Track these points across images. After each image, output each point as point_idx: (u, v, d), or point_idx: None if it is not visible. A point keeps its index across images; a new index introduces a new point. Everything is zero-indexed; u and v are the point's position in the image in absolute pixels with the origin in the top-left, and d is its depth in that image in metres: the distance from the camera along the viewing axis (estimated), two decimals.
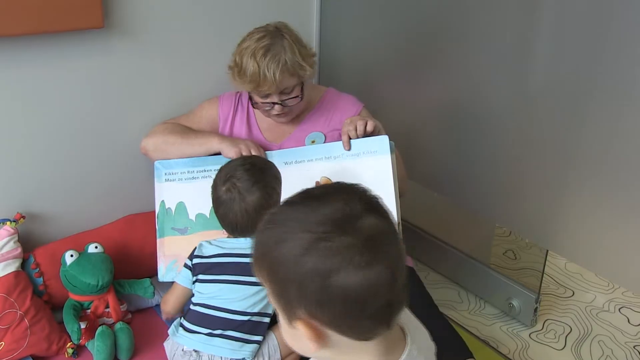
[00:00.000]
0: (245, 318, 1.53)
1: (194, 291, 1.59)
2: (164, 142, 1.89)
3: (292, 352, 1.61)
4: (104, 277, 1.81)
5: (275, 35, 1.74)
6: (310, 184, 1.79)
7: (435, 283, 2.33)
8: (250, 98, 1.83)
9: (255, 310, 1.54)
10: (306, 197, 0.83)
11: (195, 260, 1.60)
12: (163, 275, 1.83)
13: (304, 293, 0.77)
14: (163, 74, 2.05)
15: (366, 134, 1.75)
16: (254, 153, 1.80)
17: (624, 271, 1.73)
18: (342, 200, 0.79)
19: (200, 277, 1.57)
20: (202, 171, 1.84)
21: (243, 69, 1.74)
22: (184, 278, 1.61)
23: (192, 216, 1.84)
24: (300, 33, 1.84)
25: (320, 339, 0.79)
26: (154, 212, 1.87)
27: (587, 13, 1.58)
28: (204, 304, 1.55)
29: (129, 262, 1.97)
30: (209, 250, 1.59)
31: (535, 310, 2.08)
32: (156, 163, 1.88)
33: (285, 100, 1.78)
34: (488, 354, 1.95)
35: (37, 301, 1.78)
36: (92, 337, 1.77)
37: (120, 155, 2.04)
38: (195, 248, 1.62)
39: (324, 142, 1.87)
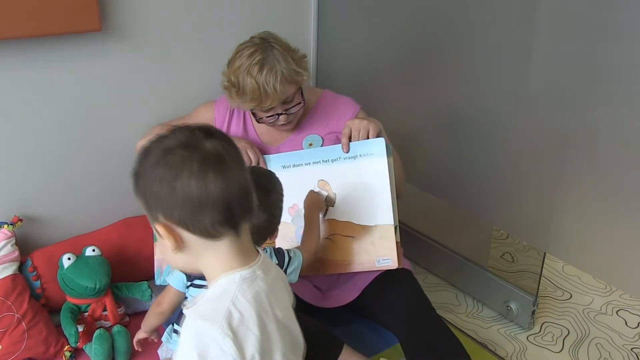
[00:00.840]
0: None
1: (187, 295, 1.57)
2: None
3: None
4: (102, 280, 1.81)
5: (265, 48, 1.73)
6: (307, 188, 1.81)
7: (433, 286, 2.33)
8: (253, 114, 1.83)
9: None
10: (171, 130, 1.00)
11: None
12: (160, 278, 1.83)
13: (158, 199, 0.94)
14: (160, 76, 2.05)
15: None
16: (251, 155, 1.79)
17: (621, 274, 1.73)
18: (189, 131, 0.97)
19: (196, 282, 1.55)
20: None
21: (242, 88, 1.73)
22: (177, 281, 1.58)
23: None
24: (297, 37, 1.85)
25: (177, 240, 0.95)
26: None
27: (585, 16, 1.59)
28: None
29: (126, 265, 1.97)
30: None
31: (533, 312, 2.08)
32: None
33: (289, 109, 1.78)
34: (486, 356, 1.95)
35: (34, 304, 1.78)
36: (90, 340, 1.77)
37: (118, 158, 2.04)
38: None
39: (322, 145, 1.88)
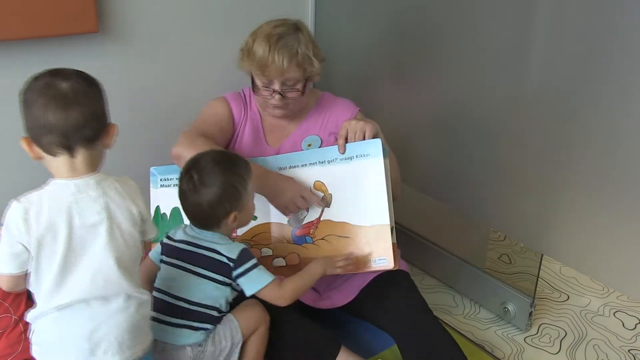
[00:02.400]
0: (193, 307, 1.51)
1: (158, 274, 1.59)
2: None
3: (254, 331, 1.62)
4: None
5: (292, 28, 1.77)
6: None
7: (430, 287, 2.33)
8: (253, 82, 1.82)
9: (207, 303, 1.52)
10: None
11: (165, 241, 1.59)
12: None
13: (24, 117, 1.22)
14: (157, 77, 2.06)
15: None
16: (300, 205, 1.77)
17: (618, 275, 1.73)
18: (51, 74, 1.24)
19: (165, 258, 1.57)
20: None
21: (254, 50, 1.74)
22: (155, 253, 1.61)
23: (186, 221, 1.84)
24: None
25: (34, 152, 1.25)
26: None
27: (583, 16, 1.59)
28: (159, 288, 1.55)
29: None
30: (179, 235, 1.58)
31: (530, 314, 2.08)
32: (152, 169, 1.88)
33: (286, 91, 1.78)
34: (483, 358, 1.95)
35: (31, 306, 1.78)
36: None
37: (116, 160, 2.04)
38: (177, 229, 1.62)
39: (320, 146, 1.88)
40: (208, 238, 1.54)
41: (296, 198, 1.75)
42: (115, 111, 2.00)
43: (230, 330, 1.56)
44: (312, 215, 1.79)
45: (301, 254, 1.79)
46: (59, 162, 1.25)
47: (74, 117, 1.21)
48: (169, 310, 1.52)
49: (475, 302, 2.25)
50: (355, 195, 1.75)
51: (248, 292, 1.53)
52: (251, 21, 1.93)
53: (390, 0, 2.14)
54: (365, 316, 1.89)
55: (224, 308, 1.56)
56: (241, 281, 1.52)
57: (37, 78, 1.23)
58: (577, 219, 1.77)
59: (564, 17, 1.63)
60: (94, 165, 1.29)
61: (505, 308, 2.13)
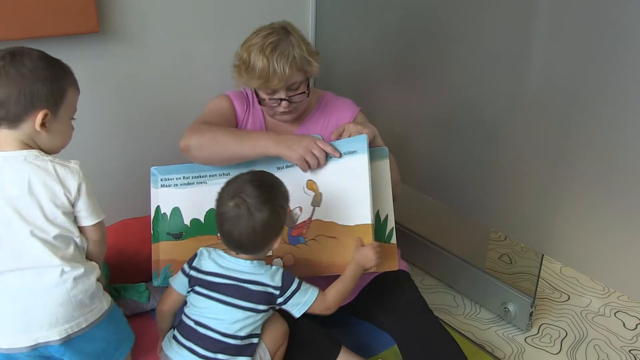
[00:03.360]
0: (234, 342, 1.51)
1: (187, 300, 1.58)
2: (211, 140, 1.74)
3: (279, 348, 1.62)
4: None
5: (282, 33, 1.75)
6: (298, 188, 1.80)
7: (431, 287, 2.33)
8: (257, 95, 1.83)
9: (243, 334, 1.52)
10: None
11: (193, 273, 1.56)
12: (158, 280, 1.83)
13: None
14: (158, 77, 2.06)
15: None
16: (317, 154, 1.71)
17: (619, 275, 1.73)
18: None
19: (197, 289, 1.55)
20: (197, 177, 1.84)
21: (252, 65, 1.73)
22: (180, 284, 1.58)
23: (187, 221, 1.84)
24: None
25: None
26: (149, 217, 1.87)
27: (584, 16, 1.59)
28: (196, 320, 1.53)
29: (124, 267, 1.97)
30: (207, 265, 1.55)
31: (531, 314, 2.08)
32: (152, 169, 1.87)
33: (292, 96, 1.78)
34: (483, 358, 1.95)
35: None
36: None
37: (116, 160, 2.04)
38: (195, 255, 1.59)
39: None
40: (246, 269, 1.52)
41: (312, 145, 1.70)
42: (116, 111, 2.02)
43: (259, 356, 1.57)
44: (304, 216, 1.79)
45: (295, 254, 1.78)
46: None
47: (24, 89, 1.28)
48: (201, 342, 1.52)
49: (475, 302, 2.25)
50: (341, 193, 1.74)
51: (298, 314, 1.56)
52: (251, 21, 1.93)
53: (390, 0, 2.14)
54: (365, 316, 1.89)
55: (259, 331, 1.56)
56: (289, 305, 1.54)
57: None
58: (578, 219, 1.77)
59: (564, 16, 1.63)
60: (25, 142, 1.33)
61: (505, 308, 2.13)
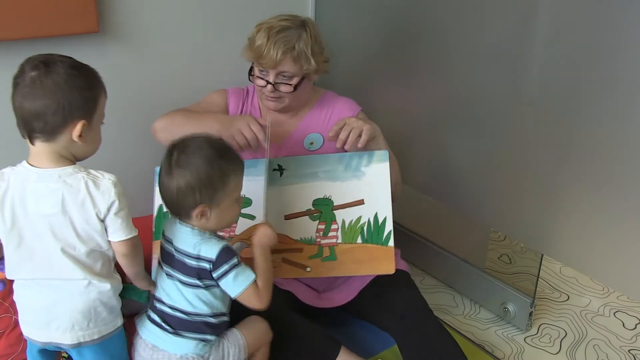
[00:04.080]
0: (186, 317, 1.47)
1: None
2: (170, 122, 1.82)
3: (258, 349, 1.60)
4: None
5: (298, 24, 1.78)
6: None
7: (431, 287, 2.33)
8: (252, 70, 1.84)
9: (197, 311, 1.47)
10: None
11: (161, 240, 1.53)
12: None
13: None
14: (158, 77, 2.06)
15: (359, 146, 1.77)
16: (247, 135, 1.71)
17: (619, 275, 1.73)
18: (28, 62, 1.29)
19: (160, 259, 1.52)
20: None
21: (254, 39, 1.77)
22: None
23: None
24: None
25: None
26: (151, 216, 1.87)
27: (584, 15, 1.59)
28: (157, 297, 1.52)
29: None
30: (167, 227, 1.52)
31: (531, 314, 2.08)
32: (157, 169, 1.87)
33: (278, 83, 1.79)
34: (483, 358, 1.95)
35: None
36: None
37: (116, 160, 2.04)
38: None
39: (322, 144, 1.88)
40: (190, 238, 1.45)
41: (243, 126, 1.71)
42: (116, 111, 2.01)
43: (236, 347, 1.54)
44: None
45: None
46: (33, 149, 1.32)
47: (31, 107, 1.25)
48: (166, 319, 1.49)
49: (475, 302, 2.25)
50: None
51: (233, 295, 1.46)
52: (251, 20, 1.93)
53: (390, 1, 2.14)
54: (365, 316, 1.90)
55: (220, 309, 1.51)
56: (222, 282, 1.44)
57: (20, 71, 1.29)
58: (578, 219, 1.77)
59: (565, 15, 1.63)
60: (60, 154, 1.32)
61: (505, 308, 2.13)
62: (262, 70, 1.80)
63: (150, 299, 1.57)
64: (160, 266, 1.52)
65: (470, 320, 2.16)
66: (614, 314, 2.22)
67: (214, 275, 1.44)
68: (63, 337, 1.38)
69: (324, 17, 2.37)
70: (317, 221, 1.81)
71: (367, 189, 1.79)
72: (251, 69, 1.84)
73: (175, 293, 1.48)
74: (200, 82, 2.11)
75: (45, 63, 1.27)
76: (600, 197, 1.68)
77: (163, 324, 1.49)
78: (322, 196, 1.81)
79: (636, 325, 2.16)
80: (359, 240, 1.77)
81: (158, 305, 1.51)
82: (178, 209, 1.45)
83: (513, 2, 1.75)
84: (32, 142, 1.31)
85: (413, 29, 2.09)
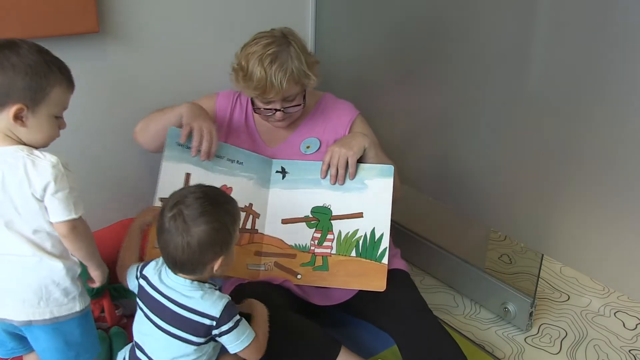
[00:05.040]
0: None
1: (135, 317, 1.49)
2: (148, 120, 1.86)
3: None
4: None
5: (282, 42, 1.75)
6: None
7: (430, 287, 2.33)
8: (253, 103, 1.83)
9: None
10: None
11: (141, 282, 1.48)
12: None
13: None
14: (158, 78, 2.06)
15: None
16: (204, 141, 1.73)
17: (619, 275, 1.73)
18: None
19: (140, 303, 1.47)
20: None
21: (249, 73, 1.74)
22: (132, 284, 1.52)
23: None
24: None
25: None
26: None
27: (584, 15, 1.59)
28: (136, 340, 1.48)
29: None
30: (153, 278, 1.45)
31: (531, 314, 2.08)
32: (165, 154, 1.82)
33: (288, 107, 1.79)
34: (483, 358, 1.95)
35: None
36: None
37: (116, 160, 2.04)
38: (148, 263, 1.50)
39: (319, 147, 1.88)
40: (188, 292, 1.40)
41: (206, 128, 1.74)
42: (116, 111, 2.02)
43: None
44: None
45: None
46: None
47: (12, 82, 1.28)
48: None
49: (475, 302, 2.25)
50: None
51: (232, 351, 1.44)
52: (251, 22, 1.94)
53: (390, 3, 2.14)
54: (365, 316, 1.89)
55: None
56: (224, 339, 1.42)
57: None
58: (578, 219, 1.77)
59: (565, 15, 1.63)
60: (6, 134, 1.33)
61: (505, 308, 2.13)
62: (265, 102, 1.79)
63: (132, 345, 1.51)
64: (142, 311, 1.46)
65: (471, 320, 2.16)
66: (615, 314, 2.22)
67: (215, 332, 1.41)
68: (13, 313, 1.37)
69: (325, 21, 2.37)
70: (314, 229, 1.81)
71: (368, 203, 1.79)
72: (253, 103, 1.83)
73: (164, 345, 1.42)
74: (201, 82, 2.11)
75: (5, 45, 1.31)
76: (600, 197, 1.68)
77: None
78: (321, 204, 1.81)
79: (637, 325, 2.16)
80: (353, 253, 1.77)
81: (139, 354, 1.46)
82: (192, 265, 1.39)
83: (513, 3, 1.75)
84: None
85: (413, 29, 2.09)
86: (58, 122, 1.40)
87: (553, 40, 1.68)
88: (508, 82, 1.82)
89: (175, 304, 1.40)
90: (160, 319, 1.42)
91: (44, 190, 1.32)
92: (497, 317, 2.17)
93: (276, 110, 1.79)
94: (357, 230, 1.79)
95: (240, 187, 1.77)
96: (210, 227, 1.35)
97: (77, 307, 1.42)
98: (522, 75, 1.78)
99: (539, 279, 2.13)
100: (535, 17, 1.72)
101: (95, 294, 1.82)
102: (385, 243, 1.77)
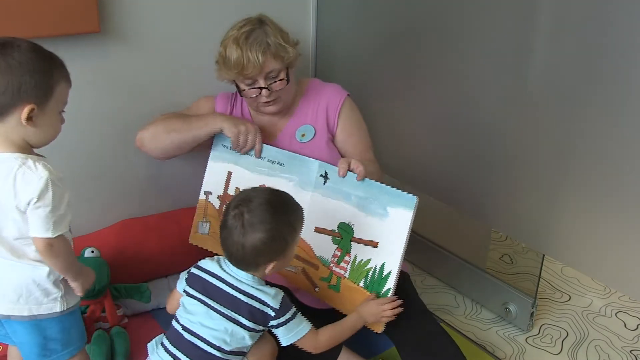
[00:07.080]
0: (218, 354, 1.43)
1: (180, 302, 1.51)
2: (164, 129, 1.84)
3: None
4: (101, 281, 1.81)
5: (256, 23, 1.79)
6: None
7: (432, 287, 2.33)
8: (238, 89, 1.84)
9: (228, 348, 1.43)
10: None
11: (193, 270, 1.51)
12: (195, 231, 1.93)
13: None
14: (159, 78, 2.06)
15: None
16: (249, 140, 1.80)
17: (620, 275, 1.73)
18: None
19: (190, 291, 1.48)
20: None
21: (227, 57, 1.76)
22: (180, 285, 1.53)
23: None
24: (297, 33, 1.85)
25: None
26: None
27: (584, 15, 1.59)
28: (183, 325, 1.47)
29: (125, 267, 1.97)
30: (211, 266, 1.49)
31: (532, 314, 2.08)
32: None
33: (271, 84, 1.79)
34: (484, 358, 1.95)
35: None
36: (88, 341, 1.77)
37: (116, 160, 2.04)
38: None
39: (314, 135, 1.89)
40: (248, 282, 1.45)
41: (251, 131, 1.80)
42: (116, 110, 2.02)
43: None
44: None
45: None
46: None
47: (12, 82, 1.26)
48: (186, 349, 1.44)
49: (476, 302, 2.25)
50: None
51: (285, 343, 1.48)
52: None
53: (390, 3, 2.14)
54: None
55: (246, 351, 1.49)
56: (280, 330, 1.46)
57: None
58: (579, 219, 1.76)
59: (565, 15, 1.63)
60: (10, 138, 1.32)
61: (506, 308, 2.13)
62: (249, 83, 1.79)
63: (171, 325, 1.51)
64: (194, 297, 1.48)
65: (472, 321, 2.16)
66: (616, 314, 2.22)
67: (273, 322, 1.45)
68: None
69: (326, 19, 2.37)
70: (337, 246, 1.77)
71: (385, 233, 1.70)
72: (238, 88, 1.84)
73: (217, 328, 1.44)
74: (201, 83, 2.11)
75: (3, 45, 1.28)
76: (601, 197, 1.68)
77: (183, 358, 1.45)
78: (347, 221, 1.74)
79: (638, 325, 2.16)
80: (362, 283, 1.72)
81: (187, 335, 1.46)
82: (246, 263, 1.45)
83: (513, 2, 1.75)
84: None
85: (414, 30, 2.08)
86: (61, 117, 1.40)
87: (553, 40, 1.68)
88: (510, 81, 1.82)
89: (234, 289, 1.45)
90: (216, 301, 1.45)
91: (28, 203, 1.30)
92: (498, 317, 2.17)
93: (261, 89, 1.79)
94: (370, 260, 1.72)
95: (279, 188, 1.73)
96: (266, 235, 1.39)
97: (58, 307, 1.41)
98: (523, 75, 1.78)
99: (540, 279, 2.13)
100: (537, 16, 1.71)
101: (97, 294, 1.82)
102: (391, 282, 1.67)
